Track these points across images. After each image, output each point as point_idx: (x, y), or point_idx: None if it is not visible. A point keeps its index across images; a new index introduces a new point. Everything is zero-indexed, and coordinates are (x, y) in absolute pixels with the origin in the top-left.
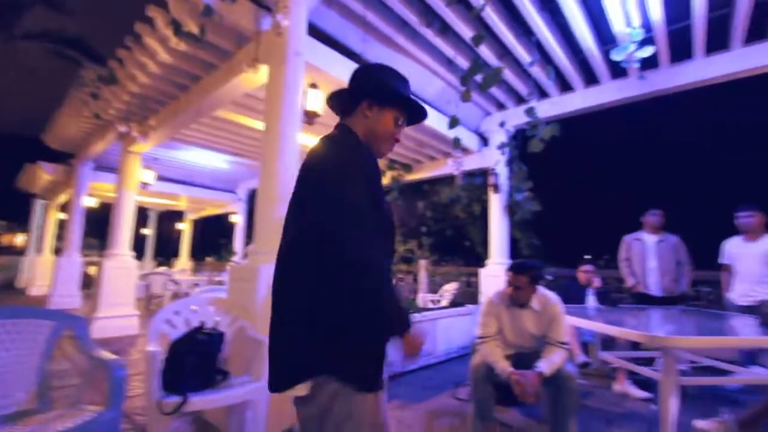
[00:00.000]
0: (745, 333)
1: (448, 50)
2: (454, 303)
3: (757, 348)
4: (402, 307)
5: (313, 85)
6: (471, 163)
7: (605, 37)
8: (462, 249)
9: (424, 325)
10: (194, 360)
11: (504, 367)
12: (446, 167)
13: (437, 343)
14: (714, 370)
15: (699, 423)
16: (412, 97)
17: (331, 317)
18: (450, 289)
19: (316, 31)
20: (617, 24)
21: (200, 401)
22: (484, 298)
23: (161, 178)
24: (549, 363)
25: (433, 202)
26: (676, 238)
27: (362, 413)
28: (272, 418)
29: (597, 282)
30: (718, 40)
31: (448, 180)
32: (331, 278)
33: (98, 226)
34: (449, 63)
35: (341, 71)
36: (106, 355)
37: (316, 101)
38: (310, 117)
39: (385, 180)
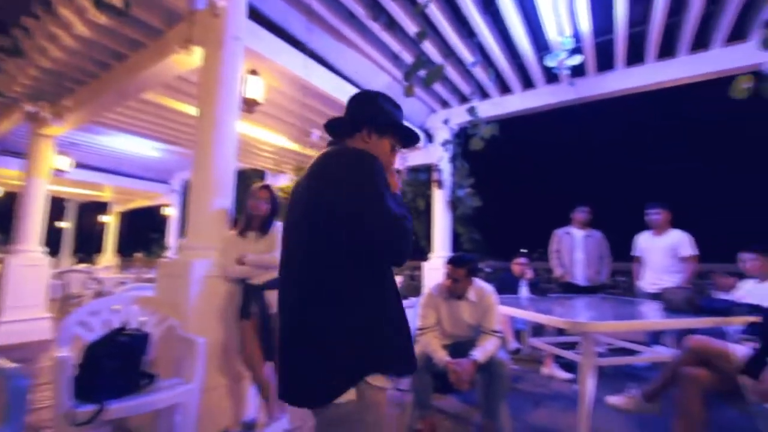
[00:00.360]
0: (651, 317)
1: (395, 45)
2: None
3: (660, 330)
4: None
5: (254, 72)
6: (416, 158)
7: (541, 44)
8: None
9: None
10: (114, 363)
11: (441, 356)
12: None
13: None
14: (626, 351)
15: (611, 398)
16: (407, 124)
17: (371, 321)
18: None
19: (257, 16)
20: (551, 32)
21: (121, 408)
22: (426, 291)
23: (81, 166)
24: (483, 351)
25: None
26: (600, 233)
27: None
28: (204, 421)
29: (529, 273)
30: (636, 54)
31: None
32: (368, 283)
33: (1, 218)
34: (395, 58)
35: (285, 59)
36: (3, 363)
37: (257, 89)
38: (249, 105)
39: None
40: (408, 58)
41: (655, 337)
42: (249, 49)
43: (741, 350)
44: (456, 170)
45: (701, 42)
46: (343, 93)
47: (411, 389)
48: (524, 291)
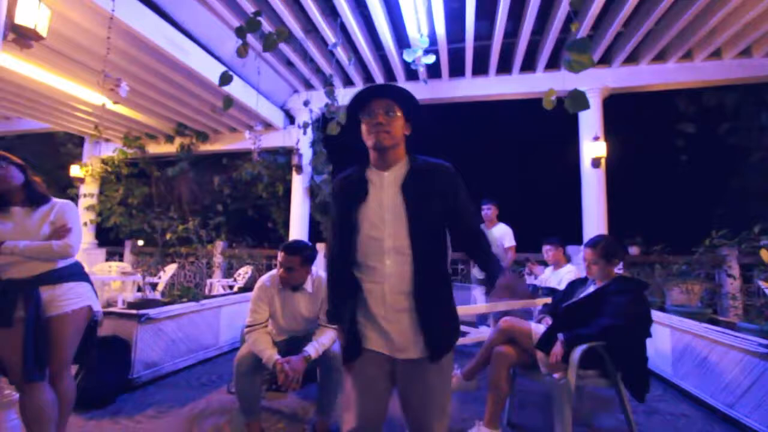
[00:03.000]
0: (479, 301)
1: (249, 7)
2: (246, 288)
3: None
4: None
5: None
6: (275, 140)
7: (402, 38)
8: (266, 230)
9: (204, 315)
10: None
11: (270, 355)
12: (247, 141)
13: (220, 334)
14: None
15: None
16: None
17: None
18: (244, 273)
19: None
20: (411, 28)
21: None
22: (258, 283)
23: None
24: (317, 345)
25: (233, 178)
26: None
27: None
28: None
29: None
30: (481, 66)
31: (250, 155)
32: None
33: None
34: None
35: None
36: None
37: (38, 16)
38: (23, 35)
39: (173, 148)
40: (265, 25)
41: (482, 318)
42: None
43: (539, 328)
44: (315, 156)
45: (529, 65)
46: (174, 46)
47: (236, 394)
48: None
